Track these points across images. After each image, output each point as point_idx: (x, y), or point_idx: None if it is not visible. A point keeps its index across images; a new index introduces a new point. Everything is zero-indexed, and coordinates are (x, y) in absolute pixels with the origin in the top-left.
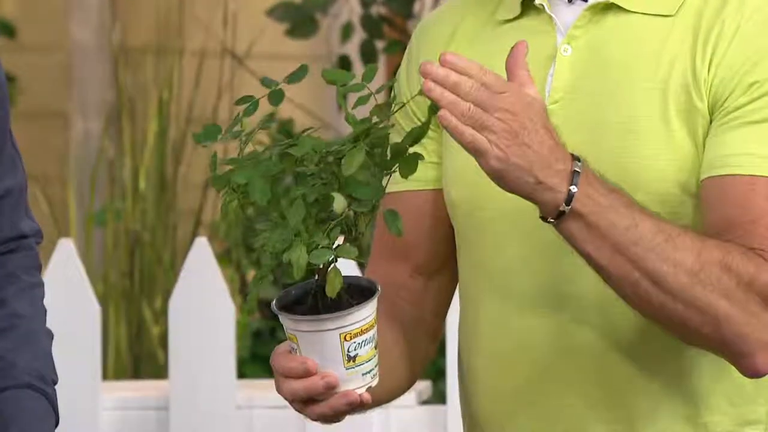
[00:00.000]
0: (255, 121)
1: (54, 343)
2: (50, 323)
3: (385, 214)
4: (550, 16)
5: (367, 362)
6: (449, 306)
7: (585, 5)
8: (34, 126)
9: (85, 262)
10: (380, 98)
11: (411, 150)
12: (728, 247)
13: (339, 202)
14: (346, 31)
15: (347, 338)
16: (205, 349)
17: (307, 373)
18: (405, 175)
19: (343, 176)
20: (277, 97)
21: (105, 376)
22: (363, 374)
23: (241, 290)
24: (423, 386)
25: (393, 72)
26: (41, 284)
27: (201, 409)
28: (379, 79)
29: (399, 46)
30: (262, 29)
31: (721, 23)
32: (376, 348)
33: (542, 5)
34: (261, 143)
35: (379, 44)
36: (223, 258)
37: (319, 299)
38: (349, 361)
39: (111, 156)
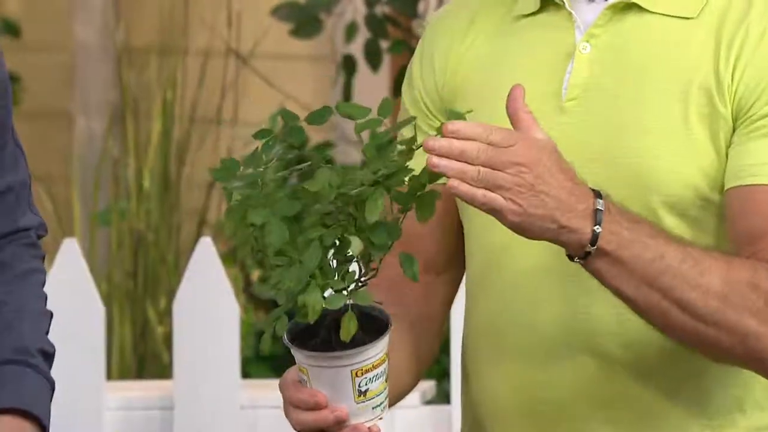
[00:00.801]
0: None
1: (58, 342)
2: (55, 323)
3: (401, 258)
4: (570, 13)
5: (377, 396)
6: (451, 304)
7: (605, 4)
8: (38, 125)
9: (89, 262)
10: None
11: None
12: (755, 265)
13: (356, 246)
14: (351, 31)
15: (359, 374)
16: (209, 349)
17: (317, 407)
18: (421, 219)
19: (362, 219)
20: (296, 134)
21: (109, 376)
22: (373, 408)
23: (245, 290)
24: (427, 386)
25: (398, 72)
26: (38, 270)
27: (205, 409)
28: (384, 80)
29: (404, 46)
30: (266, 29)
31: (746, 28)
32: (386, 381)
33: (562, 1)
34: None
35: (384, 44)
36: (228, 258)
37: (332, 332)
38: (359, 395)
39: (115, 156)
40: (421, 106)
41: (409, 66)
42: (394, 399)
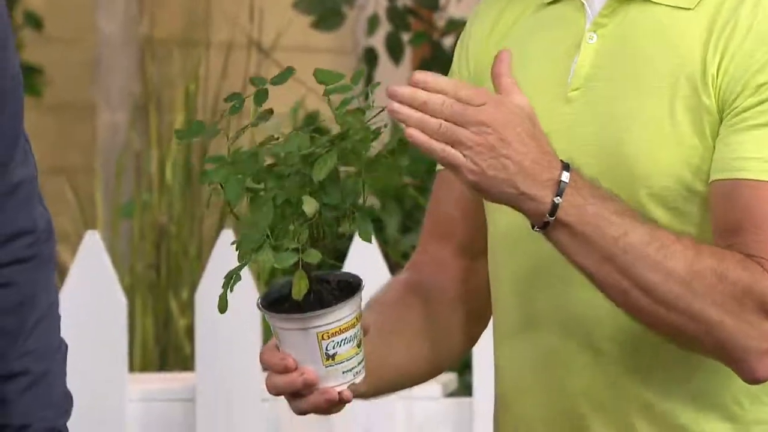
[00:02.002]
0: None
1: (80, 335)
2: (77, 315)
3: (359, 217)
4: (582, 3)
5: (347, 360)
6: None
7: None
8: (61, 118)
9: (112, 254)
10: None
11: None
12: (724, 254)
13: (309, 205)
14: (372, 24)
15: (324, 337)
16: (231, 341)
17: (286, 369)
18: (373, 186)
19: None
20: (260, 97)
21: (132, 368)
22: (343, 372)
23: (267, 282)
24: (448, 378)
25: (419, 64)
26: (56, 302)
27: (227, 401)
28: (405, 72)
29: (425, 39)
30: (288, 22)
31: (735, 21)
32: (359, 346)
33: None
34: (283, 135)
35: (405, 36)
36: None
37: (305, 298)
38: (327, 359)
39: (137, 148)
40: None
41: (455, 51)
42: (411, 383)
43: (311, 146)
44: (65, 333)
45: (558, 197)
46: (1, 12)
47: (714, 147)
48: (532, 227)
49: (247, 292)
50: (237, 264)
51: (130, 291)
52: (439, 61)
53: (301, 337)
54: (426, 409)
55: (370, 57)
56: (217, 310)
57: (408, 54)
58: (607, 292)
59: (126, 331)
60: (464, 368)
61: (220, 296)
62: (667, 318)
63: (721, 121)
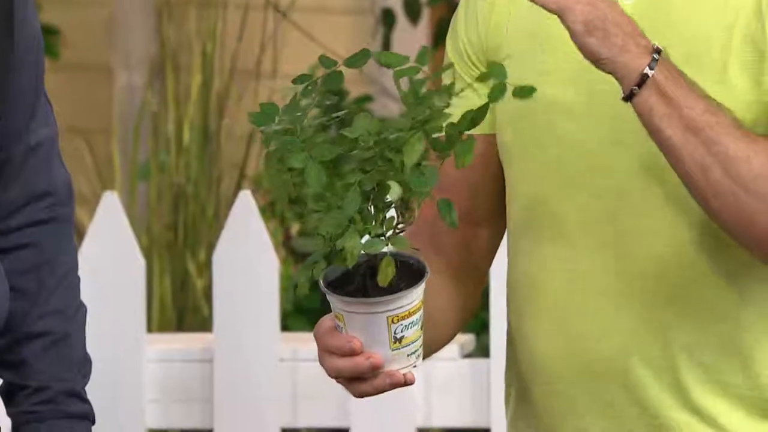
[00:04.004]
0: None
1: (98, 296)
2: (95, 276)
3: (439, 204)
4: None
5: (412, 343)
6: (494, 256)
7: None
8: (78, 79)
9: (129, 215)
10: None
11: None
12: None
13: (395, 191)
14: None
15: (394, 321)
16: (249, 302)
17: (352, 353)
18: (460, 165)
19: (401, 164)
20: (335, 80)
21: (149, 329)
22: (408, 355)
23: (284, 243)
24: (466, 339)
25: (437, 24)
26: (75, 264)
27: (245, 362)
28: (423, 33)
29: None
30: None
31: None
32: (421, 329)
33: None
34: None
35: None
36: (267, 211)
37: (368, 279)
38: (395, 342)
39: (155, 109)
40: (464, 57)
41: (453, 16)
42: (433, 349)
43: (381, 129)
44: (83, 294)
45: (657, 53)
46: None
47: None
48: (624, 94)
49: (266, 254)
50: (255, 224)
51: (147, 252)
52: None
53: (370, 321)
54: (444, 370)
55: (387, 17)
56: (234, 271)
57: (425, 14)
58: (688, 169)
59: (144, 292)
60: (482, 329)
61: (299, 282)
62: (745, 202)
63: None
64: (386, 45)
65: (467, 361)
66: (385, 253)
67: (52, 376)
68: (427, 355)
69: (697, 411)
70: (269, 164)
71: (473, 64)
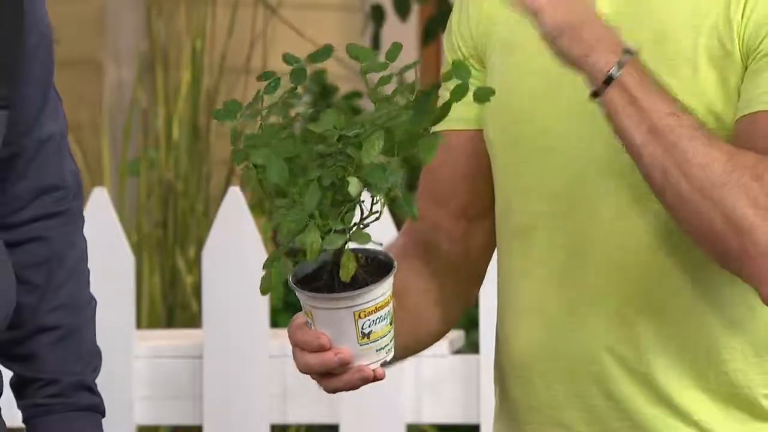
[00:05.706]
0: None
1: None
2: None
3: (403, 196)
4: None
5: (381, 338)
6: (493, 251)
7: None
8: (68, 74)
9: (119, 211)
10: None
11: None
12: (761, 157)
13: (354, 187)
14: None
15: (361, 316)
16: (238, 299)
17: (321, 348)
18: (425, 162)
19: (360, 161)
20: (299, 76)
21: (139, 325)
22: (377, 350)
23: (273, 239)
24: (455, 336)
25: (426, 21)
26: (84, 258)
27: (234, 358)
28: (412, 29)
29: None
30: None
31: None
32: (391, 324)
33: None
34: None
35: None
36: (256, 207)
37: (334, 275)
38: (363, 338)
39: (144, 105)
40: (458, 53)
41: (451, 13)
42: (421, 346)
43: (347, 125)
44: None
45: (626, 55)
46: None
47: (738, 96)
48: (590, 92)
49: (255, 250)
50: (245, 220)
51: (137, 248)
52: (447, 18)
53: (336, 316)
54: (433, 366)
55: (377, 14)
56: (224, 267)
57: (414, 10)
58: (649, 171)
59: (133, 288)
60: (471, 326)
61: (262, 278)
62: (701, 206)
63: (745, 69)
64: (375, 41)
65: (457, 357)
66: (349, 249)
67: (63, 369)
68: (414, 353)
69: (667, 405)
70: (236, 158)
71: (467, 60)
